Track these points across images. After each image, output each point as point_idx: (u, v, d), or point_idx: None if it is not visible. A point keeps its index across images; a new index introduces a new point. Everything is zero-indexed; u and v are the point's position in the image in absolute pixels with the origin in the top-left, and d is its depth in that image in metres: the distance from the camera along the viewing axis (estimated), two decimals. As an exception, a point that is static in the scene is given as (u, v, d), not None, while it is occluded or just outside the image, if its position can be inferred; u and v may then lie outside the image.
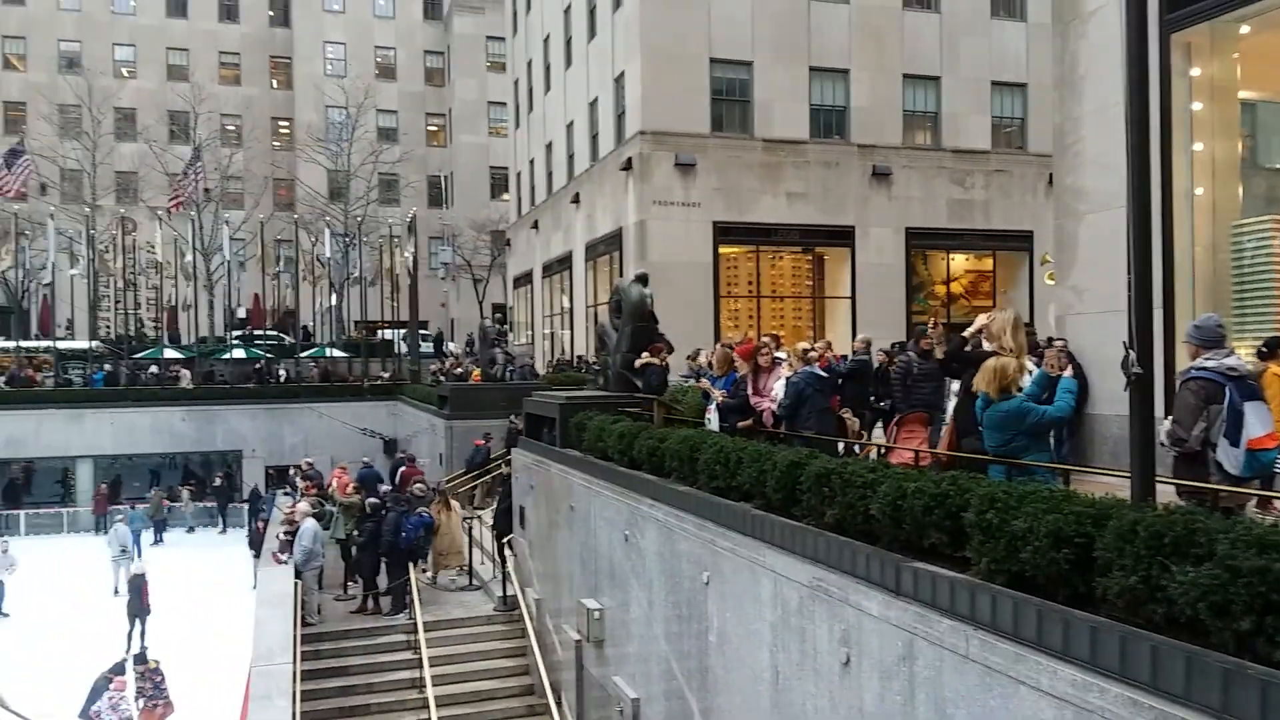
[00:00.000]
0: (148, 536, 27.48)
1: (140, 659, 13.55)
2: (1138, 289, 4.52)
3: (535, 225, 34.26)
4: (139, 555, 23.25)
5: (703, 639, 7.99)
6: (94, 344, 37.98)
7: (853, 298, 24.70)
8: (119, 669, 13.21)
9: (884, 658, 5.54)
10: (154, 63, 53.58)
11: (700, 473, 8.15)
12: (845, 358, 11.66)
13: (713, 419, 9.38)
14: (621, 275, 22.14)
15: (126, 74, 53.14)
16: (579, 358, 27.36)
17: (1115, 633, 3.98)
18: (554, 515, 12.49)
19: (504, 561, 14.75)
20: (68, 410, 32.17)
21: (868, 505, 5.77)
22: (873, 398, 11.05)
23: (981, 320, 6.69)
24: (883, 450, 8.18)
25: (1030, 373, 6.25)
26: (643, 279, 12.51)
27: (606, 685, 10.23)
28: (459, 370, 29.53)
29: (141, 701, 13.23)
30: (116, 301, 41.71)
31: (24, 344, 37.76)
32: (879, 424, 11.02)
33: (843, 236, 24.70)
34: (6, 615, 20.81)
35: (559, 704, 11.75)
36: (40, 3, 52.23)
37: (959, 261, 26.76)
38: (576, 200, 28.55)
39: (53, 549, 27.98)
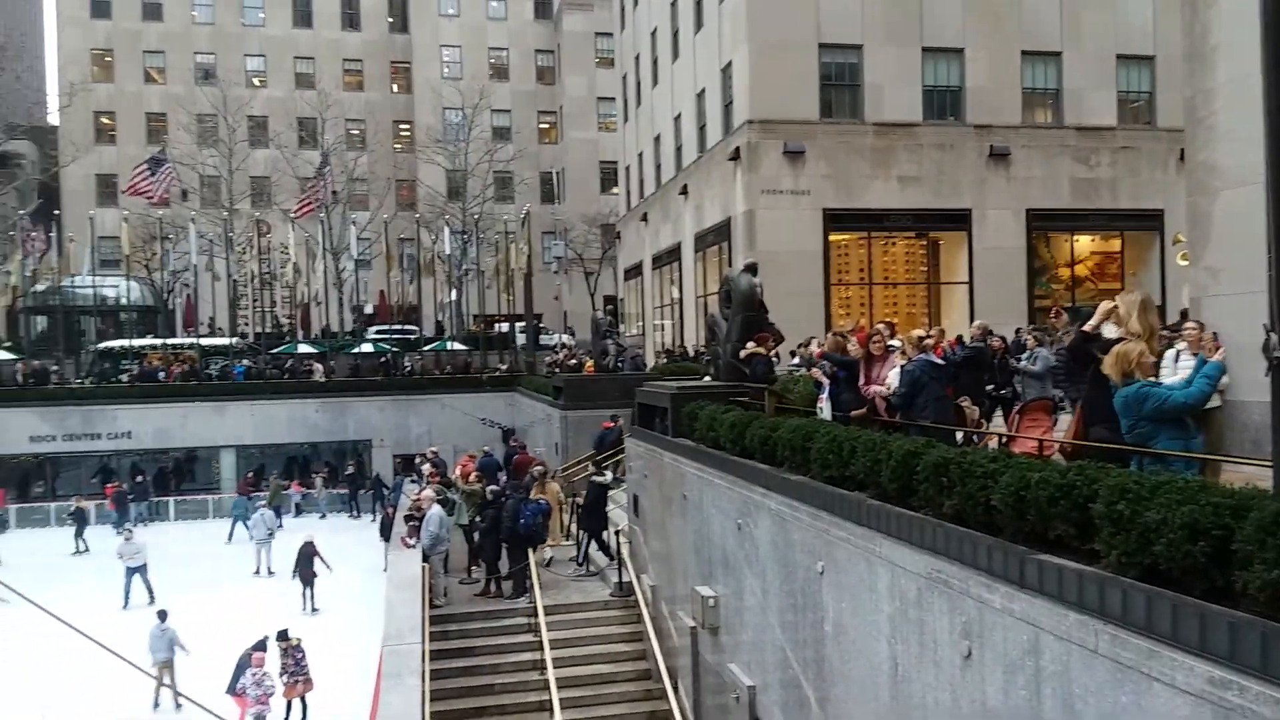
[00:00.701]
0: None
1: (282, 636, 14.34)
2: (1279, 268, 4.30)
3: (644, 218, 34.50)
4: (272, 538, 24.62)
5: (818, 629, 7.98)
6: (234, 340, 40.37)
7: (970, 283, 23.96)
8: (260, 646, 14.01)
9: (1008, 651, 5.44)
10: (283, 72, 56.35)
11: (813, 462, 8.12)
12: (961, 344, 11.39)
13: (825, 408, 9.32)
14: (730, 265, 22.10)
15: (258, 83, 56.02)
16: (685, 348, 27.46)
17: (1256, 628, 3.83)
18: (667, 504, 12.64)
19: (587, 549, 15.17)
20: (211, 403, 34.30)
21: (989, 496, 5.66)
22: (990, 385, 10.77)
23: (1107, 305, 6.45)
24: (1004, 439, 7.97)
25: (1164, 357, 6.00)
26: (752, 268, 12.51)
27: (722, 672, 10.32)
28: (573, 362, 30.08)
29: (285, 677, 14.03)
30: (254, 300, 44.17)
31: (170, 341, 40.35)
32: (998, 412, 10.73)
33: (959, 220, 23.98)
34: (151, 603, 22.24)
35: (675, 689, 11.90)
36: (177, 18, 55.60)
37: (1084, 243, 25.61)
38: (685, 192, 28.60)
39: (199, 534, 29.94)
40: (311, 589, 20.25)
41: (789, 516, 8.50)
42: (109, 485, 31.60)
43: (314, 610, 19.91)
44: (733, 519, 9.92)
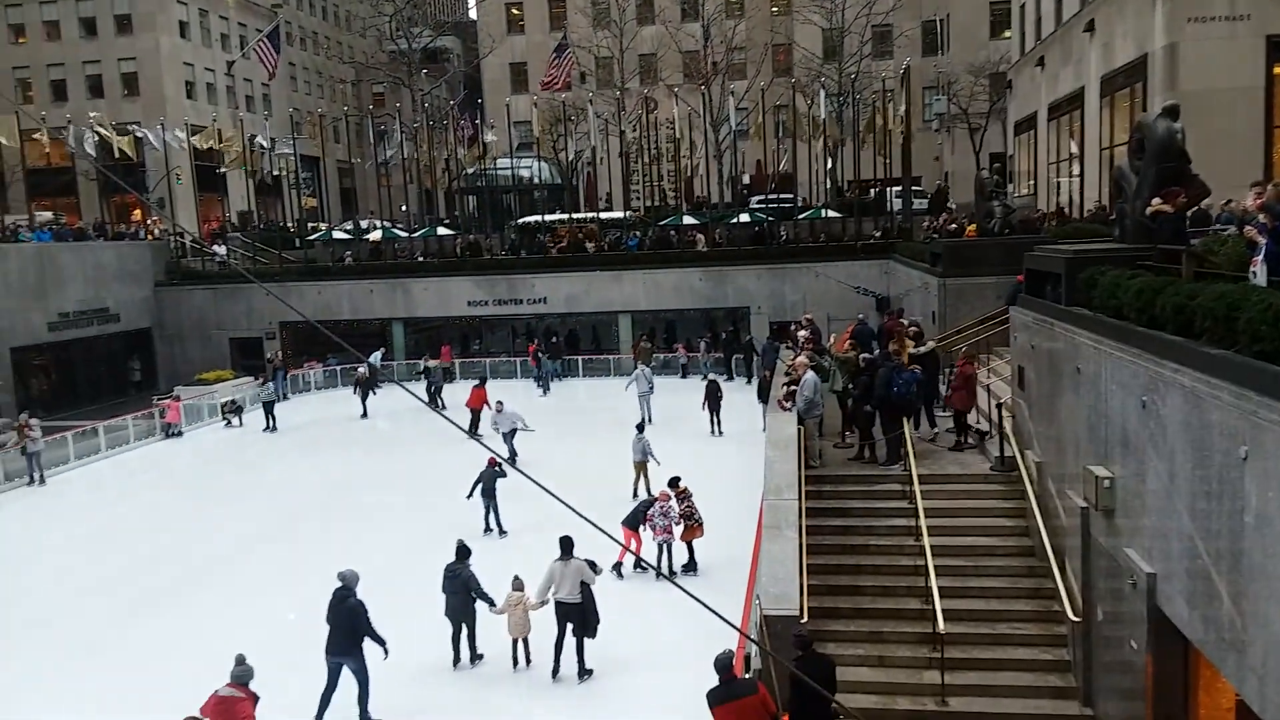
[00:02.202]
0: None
1: (674, 482, 15.89)
2: None
3: (1040, 63, 30.99)
4: (651, 392, 27.00)
5: (1236, 519, 7.18)
6: (627, 214, 43.52)
7: None
8: (673, 483, 15.73)
9: None
10: (663, -54, 57.53)
11: (1241, 334, 7.13)
12: None
13: (1260, 272, 8.05)
14: (1144, 110, 19.31)
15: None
16: (1085, 207, 24.75)
17: None
18: (1057, 377, 11.83)
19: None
20: (610, 272, 37.65)
21: None
22: None
23: None
24: None
25: None
26: (1171, 112, 10.86)
27: (1116, 556, 9.71)
28: (953, 226, 28.47)
29: (683, 521, 15.57)
30: (643, 175, 47.01)
31: (575, 216, 44.47)
32: None
33: None
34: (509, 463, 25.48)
35: (1062, 569, 11.42)
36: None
37: None
38: (1090, 28, 25.16)
39: (599, 390, 33.57)
40: (718, 415, 25.23)
41: (1205, 395, 7.60)
42: (530, 345, 36.36)
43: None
44: (1135, 395, 9.08)
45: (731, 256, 37.82)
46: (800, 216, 41.02)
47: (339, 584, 11.25)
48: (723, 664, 8.73)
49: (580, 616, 12.20)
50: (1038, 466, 12.89)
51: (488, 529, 17.85)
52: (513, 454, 22.25)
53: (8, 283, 33.34)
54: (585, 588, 12.24)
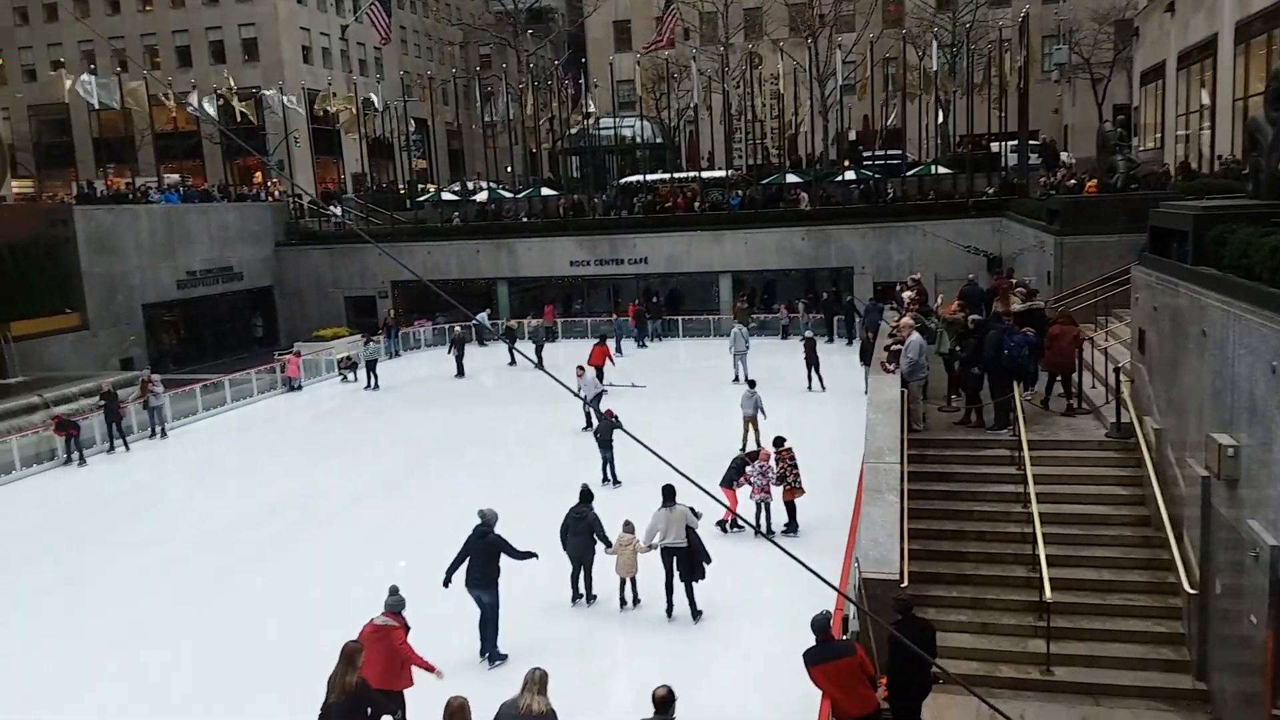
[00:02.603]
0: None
1: (779, 442, 15.87)
2: None
3: (1170, 8, 29.07)
4: (748, 350, 26.98)
5: (1372, 492, 6.80)
6: (729, 172, 43.11)
7: None
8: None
9: None
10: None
11: (1386, 297, 6.70)
12: None
13: None
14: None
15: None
16: (1221, 160, 23.28)
17: None
18: (1181, 340, 11.29)
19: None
20: (711, 232, 37.45)
21: None
22: None
23: None
24: None
25: None
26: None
27: (1238, 527, 9.30)
28: (1072, 182, 27.25)
29: (785, 480, 15.57)
30: (746, 132, 46.41)
31: (676, 175, 44.29)
32: None
33: None
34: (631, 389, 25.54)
35: (1179, 540, 10.99)
36: None
37: None
38: (1232, -33, 23.47)
39: (698, 351, 33.61)
40: (818, 373, 25.50)
41: (1343, 361, 7.18)
42: (632, 304, 36.62)
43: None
44: (1265, 360, 8.62)
45: (835, 215, 37.09)
46: (909, 174, 39.88)
47: (479, 521, 11.82)
48: (820, 625, 8.72)
49: (687, 560, 12.66)
50: (1156, 433, 12.38)
51: (605, 479, 18.37)
52: (592, 418, 22.16)
53: (139, 242, 35.38)
54: (690, 532, 12.67)
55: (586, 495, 13.42)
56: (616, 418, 17.99)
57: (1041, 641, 10.64)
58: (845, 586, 10.81)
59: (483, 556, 11.72)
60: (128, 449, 24.10)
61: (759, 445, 18.50)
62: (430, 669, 9.48)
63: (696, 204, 39.44)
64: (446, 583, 11.75)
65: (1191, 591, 10.33)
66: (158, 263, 36.23)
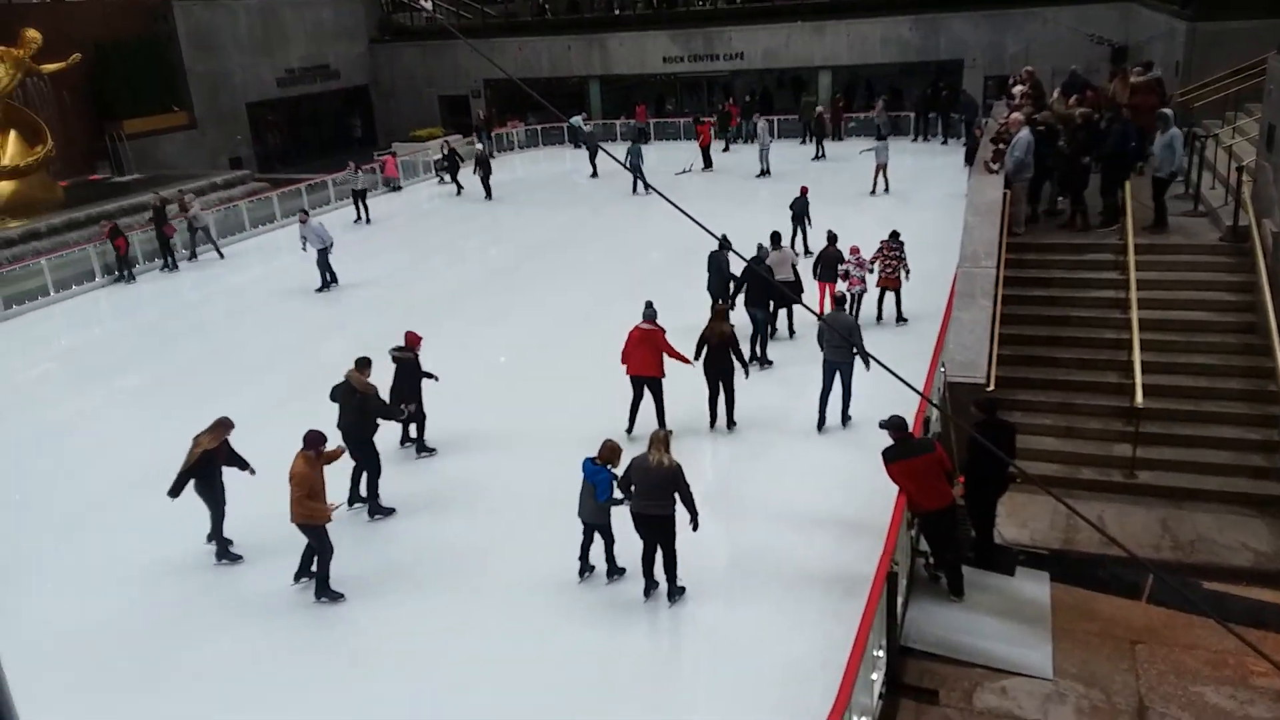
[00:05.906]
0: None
1: (894, 235, 15.59)
2: None
3: None
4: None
5: None
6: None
7: None
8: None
9: None
10: None
11: None
12: None
13: None
14: None
15: None
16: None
17: None
18: (1318, 139, 10.49)
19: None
20: (812, 23, 35.31)
21: None
22: None
23: None
24: None
25: None
26: None
27: (1349, 337, 8.97)
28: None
29: (887, 269, 15.41)
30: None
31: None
32: None
33: None
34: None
35: (1285, 347, 10.66)
36: None
37: None
38: None
39: (797, 153, 32.46)
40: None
41: None
42: (727, 103, 35.34)
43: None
44: (1406, 160, 8.00)
45: (947, 2, 34.32)
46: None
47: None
48: (896, 424, 8.73)
49: (793, 292, 14.54)
50: (1275, 237, 11.75)
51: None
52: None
53: (237, 39, 35.50)
54: (794, 269, 15.09)
55: (725, 242, 12.87)
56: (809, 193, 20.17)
57: (1128, 446, 10.68)
58: (930, 390, 10.87)
59: (762, 284, 13.65)
60: (220, 257, 24.07)
61: (888, 190, 24.52)
62: (686, 360, 11.62)
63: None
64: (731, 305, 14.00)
65: (1291, 399, 10.14)
66: (257, 60, 36.43)
